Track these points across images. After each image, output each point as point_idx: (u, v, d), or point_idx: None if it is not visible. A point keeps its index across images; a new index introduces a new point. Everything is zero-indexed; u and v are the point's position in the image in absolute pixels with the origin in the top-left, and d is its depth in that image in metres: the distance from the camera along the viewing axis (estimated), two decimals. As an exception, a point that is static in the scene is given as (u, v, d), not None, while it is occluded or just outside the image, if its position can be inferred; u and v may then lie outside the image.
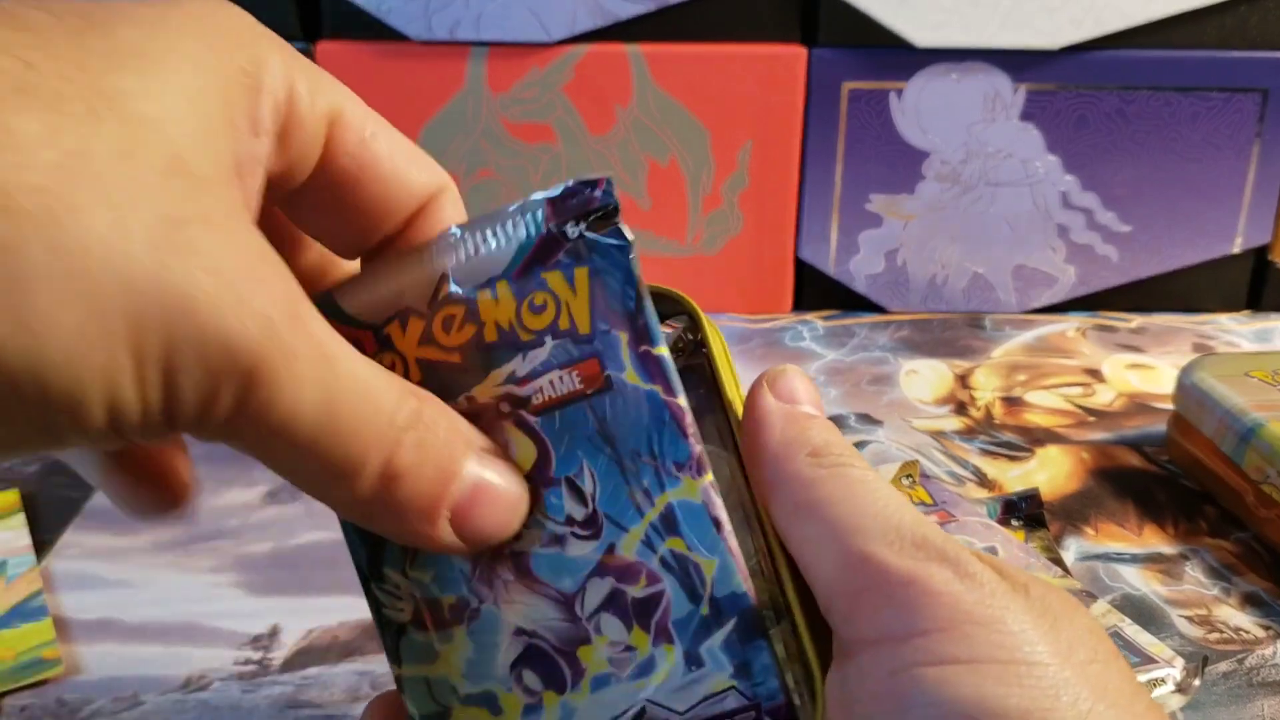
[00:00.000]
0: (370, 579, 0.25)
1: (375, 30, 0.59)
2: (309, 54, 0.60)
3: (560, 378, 0.24)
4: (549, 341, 0.24)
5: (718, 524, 0.24)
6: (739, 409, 0.27)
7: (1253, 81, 0.60)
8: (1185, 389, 0.48)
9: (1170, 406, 0.50)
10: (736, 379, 0.28)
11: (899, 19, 0.59)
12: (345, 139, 0.24)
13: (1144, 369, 0.60)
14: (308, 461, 0.21)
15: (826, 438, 0.25)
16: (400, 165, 0.25)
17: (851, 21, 0.59)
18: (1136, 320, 0.65)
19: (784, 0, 0.59)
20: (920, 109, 0.61)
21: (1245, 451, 0.44)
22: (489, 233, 0.24)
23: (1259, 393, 0.46)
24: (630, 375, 0.24)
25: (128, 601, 0.43)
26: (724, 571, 0.24)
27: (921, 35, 0.59)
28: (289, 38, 0.60)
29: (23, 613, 0.42)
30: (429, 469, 0.23)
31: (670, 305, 0.29)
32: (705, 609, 0.24)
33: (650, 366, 0.24)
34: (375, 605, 0.25)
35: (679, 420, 0.24)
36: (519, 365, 0.24)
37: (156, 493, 0.25)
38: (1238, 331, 0.64)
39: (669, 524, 0.24)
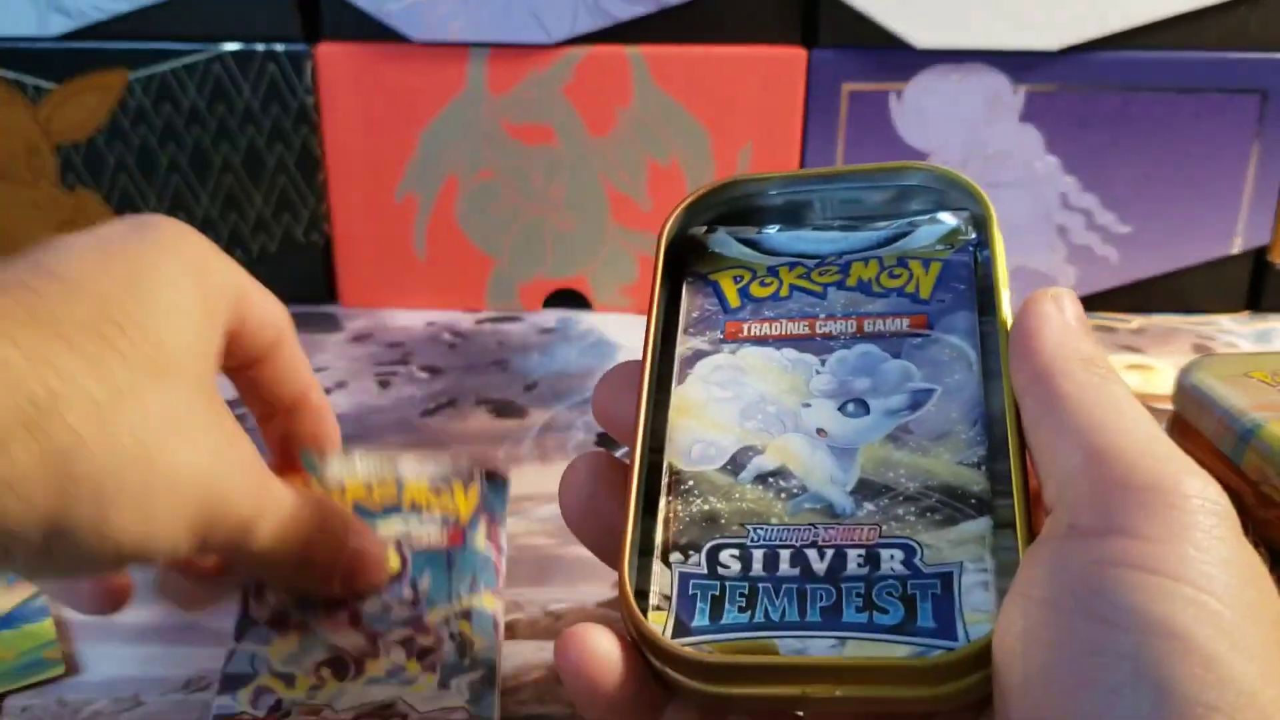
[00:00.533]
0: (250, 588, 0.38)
1: (375, 31, 0.59)
2: (309, 55, 0.60)
3: (429, 532, 0.40)
4: (425, 516, 0.40)
5: (495, 623, 0.38)
6: (1003, 312, 0.31)
7: (1253, 82, 0.60)
8: (1185, 389, 0.48)
9: (1170, 407, 0.50)
10: (1007, 286, 0.32)
11: (899, 20, 0.59)
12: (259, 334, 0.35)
13: (1144, 369, 0.60)
14: (284, 568, 0.36)
15: (1098, 351, 0.28)
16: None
17: (851, 22, 0.59)
18: (1136, 321, 0.65)
19: (784, 1, 0.59)
20: (920, 110, 0.61)
21: (1245, 452, 0.44)
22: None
23: (1259, 393, 0.46)
24: (479, 540, 0.40)
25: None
26: (487, 643, 0.37)
27: (921, 36, 0.59)
28: (289, 39, 0.61)
29: (24, 613, 0.42)
30: (336, 553, 0.37)
31: (964, 197, 0.34)
32: (466, 662, 0.36)
33: (493, 537, 0.40)
34: (245, 600, 0.38)
35: (497, 566, 0.40)
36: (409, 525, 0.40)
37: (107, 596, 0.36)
38: (1237, 332, 0.64)
39: (465, 615, 0.38)
